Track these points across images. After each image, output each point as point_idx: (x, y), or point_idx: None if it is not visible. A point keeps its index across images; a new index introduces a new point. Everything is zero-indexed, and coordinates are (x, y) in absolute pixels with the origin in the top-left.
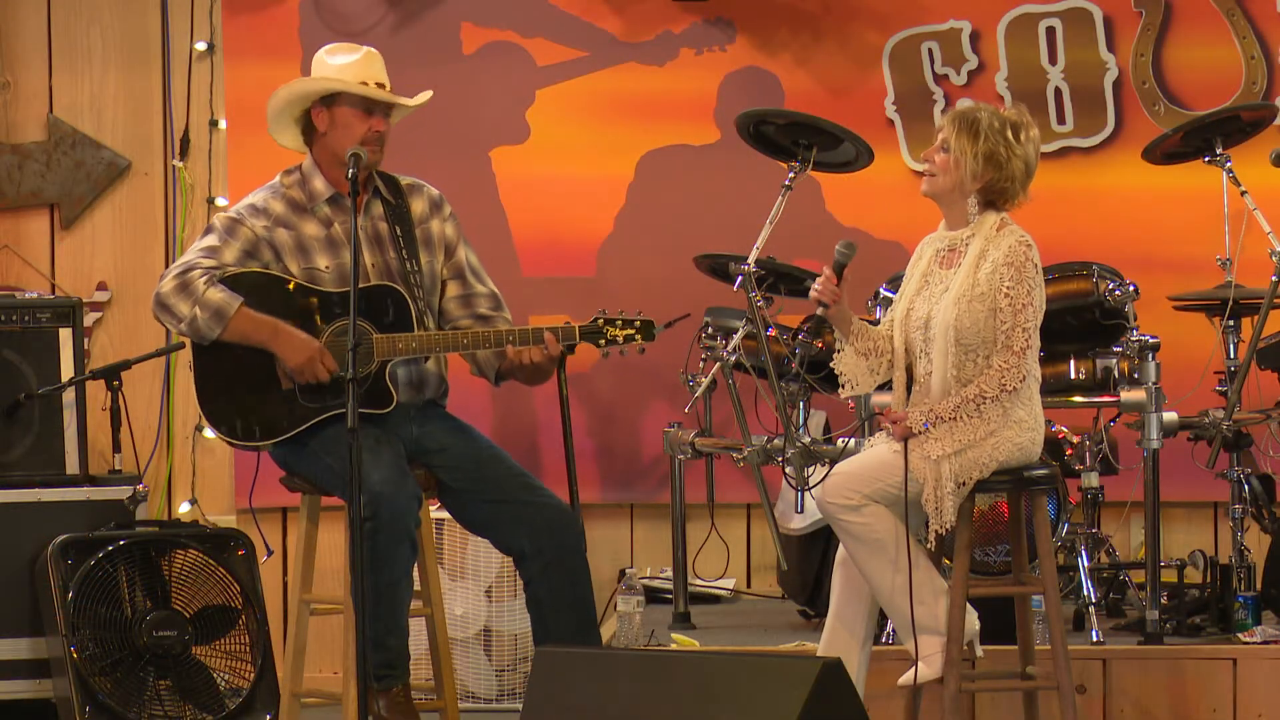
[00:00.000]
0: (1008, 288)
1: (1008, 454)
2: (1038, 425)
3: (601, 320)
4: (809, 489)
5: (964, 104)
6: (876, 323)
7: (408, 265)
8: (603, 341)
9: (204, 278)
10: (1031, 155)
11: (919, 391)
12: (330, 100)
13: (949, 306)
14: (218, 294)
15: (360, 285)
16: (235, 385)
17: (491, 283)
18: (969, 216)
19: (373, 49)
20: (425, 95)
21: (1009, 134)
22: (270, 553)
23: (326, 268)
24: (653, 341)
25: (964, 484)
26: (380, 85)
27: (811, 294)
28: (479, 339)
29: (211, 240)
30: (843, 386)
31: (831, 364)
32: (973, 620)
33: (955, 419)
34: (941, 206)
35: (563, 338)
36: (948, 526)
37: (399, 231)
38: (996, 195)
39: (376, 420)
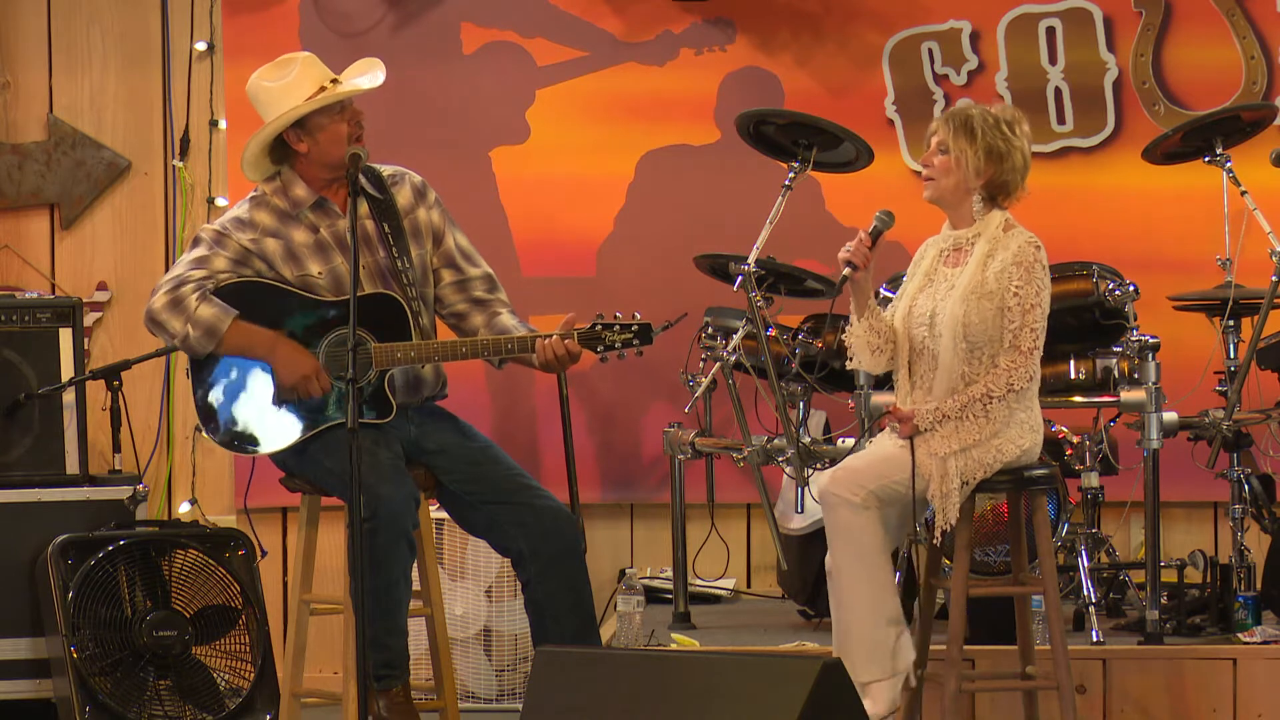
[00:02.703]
0: (1016, 287)
1: (1012, 455)
2: (1038, 427)
3: (600, 326)
4: (807, 484)
5: (956, 106)
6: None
7: (399, 264)
8: (600, 348)
9: (196, 292)
10: (1027, 148)
11: (919, 390)
12: (301, 121)
13: (956, 303)
14: (209, 310)
15: (357, 294)
16: (233, 395)
17: (485, 263)
18: (973, 215)
19: (307, 53)
20: (378, 71)
21: (1003, 128)
22: (264, 553)
23: (320, 273)
24: (650, 345)
25: (968, 483)
26: (334, 81)
27: (841, 254)
28: (478, 347)
29: (200, 251)
30: (848, 360)
31: (843, 336)
32: (909, 651)
33: (962, 418)
34: (945, 208)
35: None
36: (951, 523)
37: (387, 229)
38: (999, 190)
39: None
